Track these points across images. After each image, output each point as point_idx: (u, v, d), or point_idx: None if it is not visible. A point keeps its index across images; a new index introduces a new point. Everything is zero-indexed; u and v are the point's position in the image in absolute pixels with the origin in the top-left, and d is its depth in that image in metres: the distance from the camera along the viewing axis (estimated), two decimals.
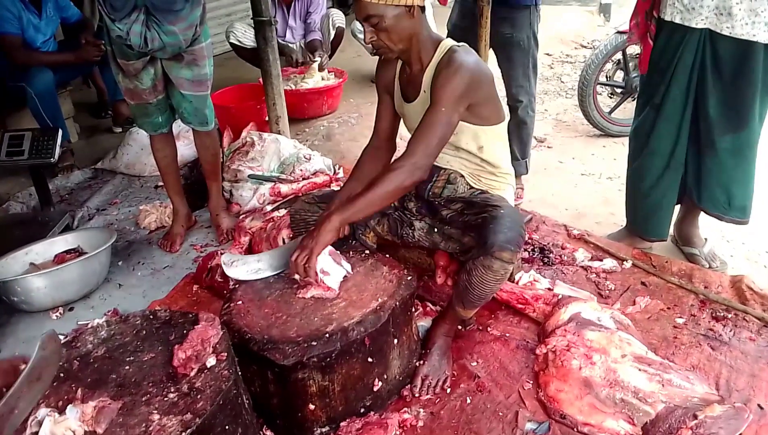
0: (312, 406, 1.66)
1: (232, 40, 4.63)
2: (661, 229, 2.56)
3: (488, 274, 1.75)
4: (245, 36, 4.61)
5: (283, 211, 2.64)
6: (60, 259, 2.50)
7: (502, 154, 2.04)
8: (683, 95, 2.27)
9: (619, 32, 3.64)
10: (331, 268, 1.79)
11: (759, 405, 1.75)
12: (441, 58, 1.86)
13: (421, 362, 1.91)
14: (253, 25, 4.54)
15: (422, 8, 1.83)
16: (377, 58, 2.04)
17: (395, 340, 1.77)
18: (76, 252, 2.55)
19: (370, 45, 1.86)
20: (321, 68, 4.59)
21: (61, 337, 1.62)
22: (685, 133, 2.33)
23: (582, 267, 2.46)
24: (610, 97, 4.40)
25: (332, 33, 4.82)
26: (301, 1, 4.74)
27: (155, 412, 1.31)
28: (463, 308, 1.89)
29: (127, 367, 1.46)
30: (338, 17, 4.86)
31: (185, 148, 3.41)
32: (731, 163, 2.30)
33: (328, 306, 1.73)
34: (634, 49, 3.74)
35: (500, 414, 1.78)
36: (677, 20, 2.18)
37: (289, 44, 4.73)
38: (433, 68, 1.88)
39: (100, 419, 1.30)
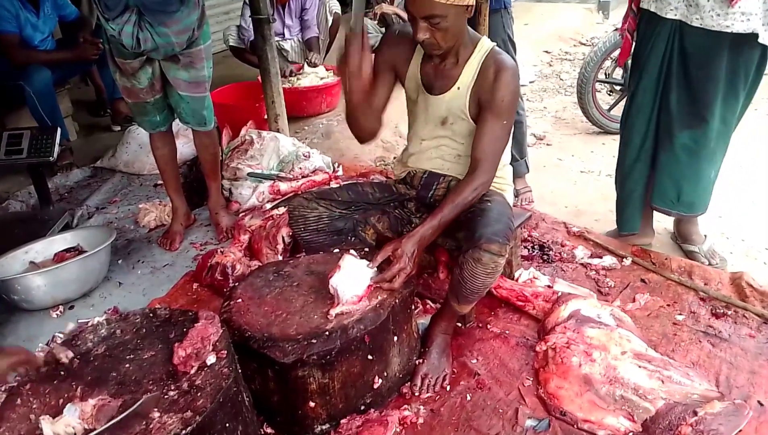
0: (312, 404, 1.66)
1: (232, 43, 4.67)
2: (632, 223, 2.54)
3: (478, 267, 1.74)
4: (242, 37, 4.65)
5: (282, 209, 2.64)
6: (60, 257, 2.50)
7: (505, 157, 2.04)
8: (654, 86, 2.26)
9: (617, 29, 3.64)
10: (352, 278, 1.73)
11: (759, 401, 1.75)
12: (485, 59, 1.86)
13: (421, 361, 1.91)
14: (240, 25, 4.60)
15: None
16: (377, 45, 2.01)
17: (395, 338, 1.77)
18: (76, 250, 2.54)
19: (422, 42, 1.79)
20: (313, 65, 4.62)
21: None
22: (654, 124, 2.32)
23: (581, 264, 2.46)
24: (609, 95, 4.40)
25: (330, 19, 4.85)
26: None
27: (155, 409, 1.31)
28: (458, 303, 1.88)
29: (127, 365, 1.46)
30: (334, 4, 4.89)
31: (184, 147, 3.40)
32: (685, 159, 2.29)
33: (327, 304, 1.73)
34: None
35: (500, 411, 1.78)
36: (652, 9, 2.18)
37: (285, 49, 4.73)
38: (475, 67, 1.86)
39: (100, 417, 1.30)
